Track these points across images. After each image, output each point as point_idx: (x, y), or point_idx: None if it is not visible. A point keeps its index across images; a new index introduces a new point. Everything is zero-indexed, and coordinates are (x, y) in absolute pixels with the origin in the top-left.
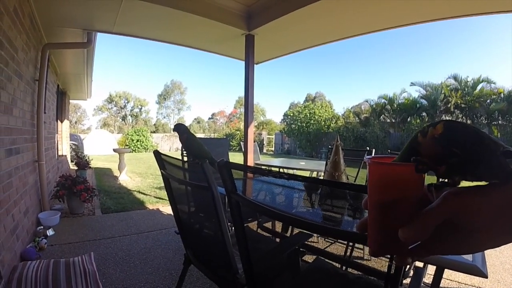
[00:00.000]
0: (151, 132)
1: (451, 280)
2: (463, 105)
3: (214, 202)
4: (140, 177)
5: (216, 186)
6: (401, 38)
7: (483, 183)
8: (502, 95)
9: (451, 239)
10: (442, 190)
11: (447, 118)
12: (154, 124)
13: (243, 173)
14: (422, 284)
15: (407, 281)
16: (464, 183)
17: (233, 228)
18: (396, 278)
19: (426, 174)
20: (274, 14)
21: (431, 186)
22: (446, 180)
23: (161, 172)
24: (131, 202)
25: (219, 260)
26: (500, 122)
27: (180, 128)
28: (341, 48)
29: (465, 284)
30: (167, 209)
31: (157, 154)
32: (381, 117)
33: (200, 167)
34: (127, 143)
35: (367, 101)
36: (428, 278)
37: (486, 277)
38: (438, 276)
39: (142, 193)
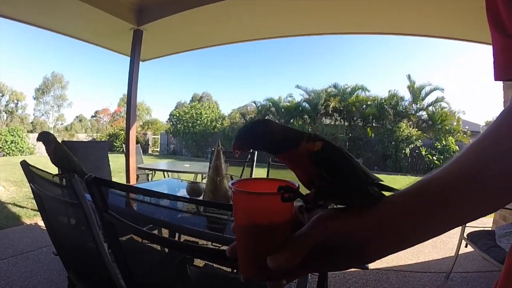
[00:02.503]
0: (28, 131)
1: None
2: (341, 109)
3: (86, 220)
4: (15, 185)
5: (88, 203)
6: (290, 46)
7: None
8: (376, 102)
9: (327, 259)
10: (313, 212)
11: (328, 120)
12: (32, 122)
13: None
14: (310, 275)
15: None
16: None
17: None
18: None
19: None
20: (167, 11)
21: (302, 208)
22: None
23: (31, 187)
24: (5, 217)
25: (103, 280)
26: (374, 124)
27: (47, 138)
28: (231, 50)
29: None
30: None
31: (25, 165)
32: (266, 118)
33: (68, 182)
34: (0, 145)
35: (254, 103)
36: None
37: (367, 269)
38: None
39: (18, 205)
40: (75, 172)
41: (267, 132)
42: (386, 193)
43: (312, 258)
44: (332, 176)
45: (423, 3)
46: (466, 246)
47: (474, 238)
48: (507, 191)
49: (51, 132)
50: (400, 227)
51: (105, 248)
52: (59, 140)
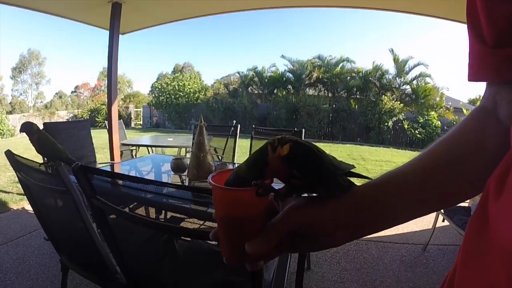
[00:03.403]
0: (7, 112)
1: None
2: (325, 80)
3: (76, 206)
4: None
5: (76, 189)
6: (274, 16)
7: None
8: (360, 74)
9: (300, 243)
10: (286, 201)
11: (311, 91)
12: (10, 103)
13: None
14: None
15: None
16: None
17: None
18: None
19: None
20: None
21: (277, 196)
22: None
23: (17, 175)
24: None
25: (95, 262)
26: (357, 96)
27: (31, 129)
28: (213, 20)
29: None
30: None
31: (10, 155)
32: (250, 88)
33: (55, 171)
34: None
35: (238, 73)
36: None
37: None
38: None
39: (2, 191)
40: (61, 160)
41: (241, 177)
42: (362, 181)
43: (286, 242)
44: (302, 173)
45: None
46: (443, 221)
47: (450, 213)
48: (474, 182)
49: (31, 111)
50: (365, 217)
51: (95, 229)
52: (40, 120)
